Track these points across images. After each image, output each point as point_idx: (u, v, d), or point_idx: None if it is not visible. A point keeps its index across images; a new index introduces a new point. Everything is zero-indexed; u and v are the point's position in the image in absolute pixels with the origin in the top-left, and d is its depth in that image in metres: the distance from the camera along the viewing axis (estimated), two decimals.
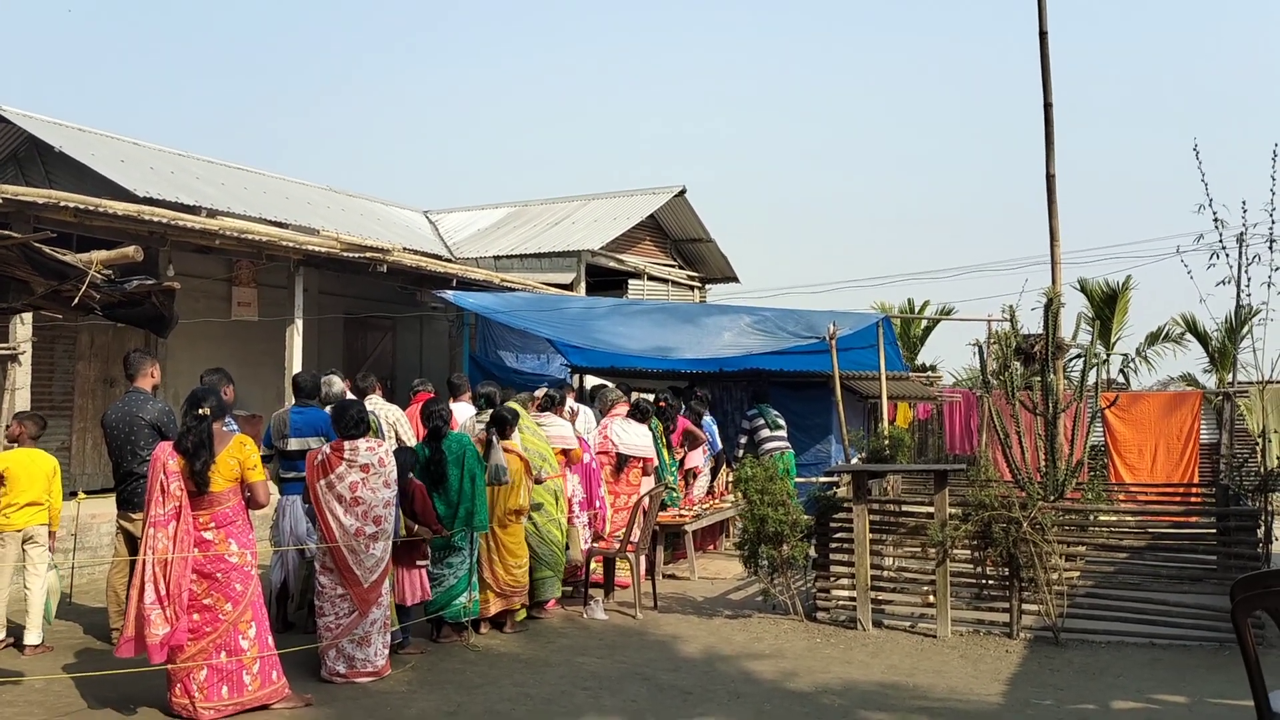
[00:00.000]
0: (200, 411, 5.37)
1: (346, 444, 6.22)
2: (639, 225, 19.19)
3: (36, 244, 3.76)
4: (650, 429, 9.83)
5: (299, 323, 11.67)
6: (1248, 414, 18.27)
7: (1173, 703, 6.03)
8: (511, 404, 8.04)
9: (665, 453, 10.67)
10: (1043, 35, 10.81)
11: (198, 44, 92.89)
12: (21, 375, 9.00)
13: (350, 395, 7.93)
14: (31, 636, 6.77)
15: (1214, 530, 8.77)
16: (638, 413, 9.67)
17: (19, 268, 4.01)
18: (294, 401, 7.79)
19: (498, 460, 7.38)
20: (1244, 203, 10.39)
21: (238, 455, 5.49)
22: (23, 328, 8.96)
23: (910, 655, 7.24)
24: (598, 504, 8.86)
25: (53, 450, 7.20)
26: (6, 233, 3.65)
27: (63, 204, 8.83)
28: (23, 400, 8.93)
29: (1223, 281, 11.12)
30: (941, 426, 19.84)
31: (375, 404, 8.13)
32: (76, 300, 4.06)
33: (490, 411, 7.71)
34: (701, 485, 11.84)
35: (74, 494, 7.61)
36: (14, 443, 7.00)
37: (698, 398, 12.41)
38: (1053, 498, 8.49)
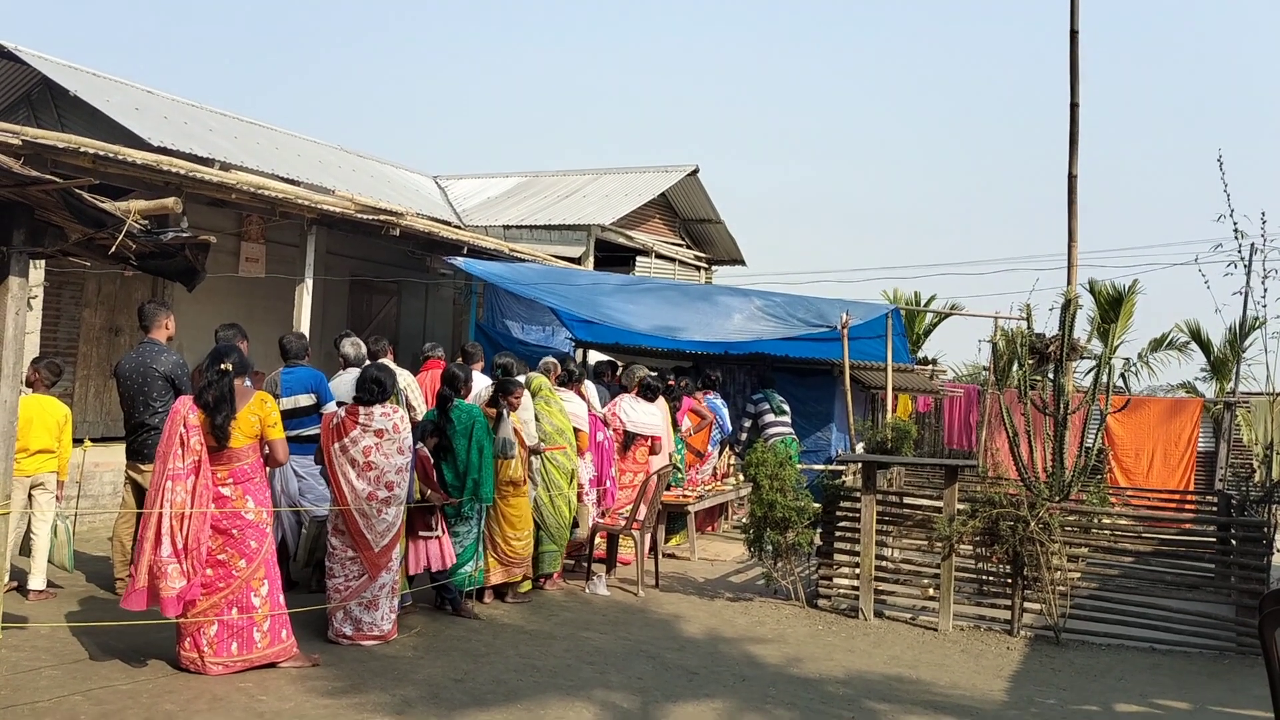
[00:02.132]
0: (223, 366, 5.33)
1: (361, 409, 6.19)
2: (649, 203, 19.09)
3: (78, 191, 3.69)
4: (659, 408, 9.82)
5: (309, 282, 11.60)
6: (1245, 426, 18.36)
7: (1175, 708, 6.06)
8: (538, 377, 8.01)
9: (670, 431, 10.66)
10: (1073, 35, 10.76)
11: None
12: (32, 320, 8.93)
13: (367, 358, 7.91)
14: (36, 581, 6.75)
15: (1214, 539, 8.82)
16: (648, 391, 9.65)
17: (56, 214, 3.95)
18: (284, 363, 7.71)
19: (506, 434, 7.36)
20: (1263, 214, 10.44)
21: (259, 412, 5.47)
22: (35, 272, 8.87)
23: (912, 647, 7.27)
24: (608, 482, 8.85)
25: (56, 397, 7.16)
26: (49, 178, 3.59)
27: (82, 150, 8.75)
28: (32, 345, 8.87)
29: (1238, 292, 11.20)
30: (940, 420, 19.89)
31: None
32: (113, 249, 4.01)
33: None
34: (707, 467, 11.84)
35: (79, 441, 7.56)
36: (29, 388, 6.95)
37: (708, 379, 12.38)
38: (1058, 498, 8.50)
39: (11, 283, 4.05)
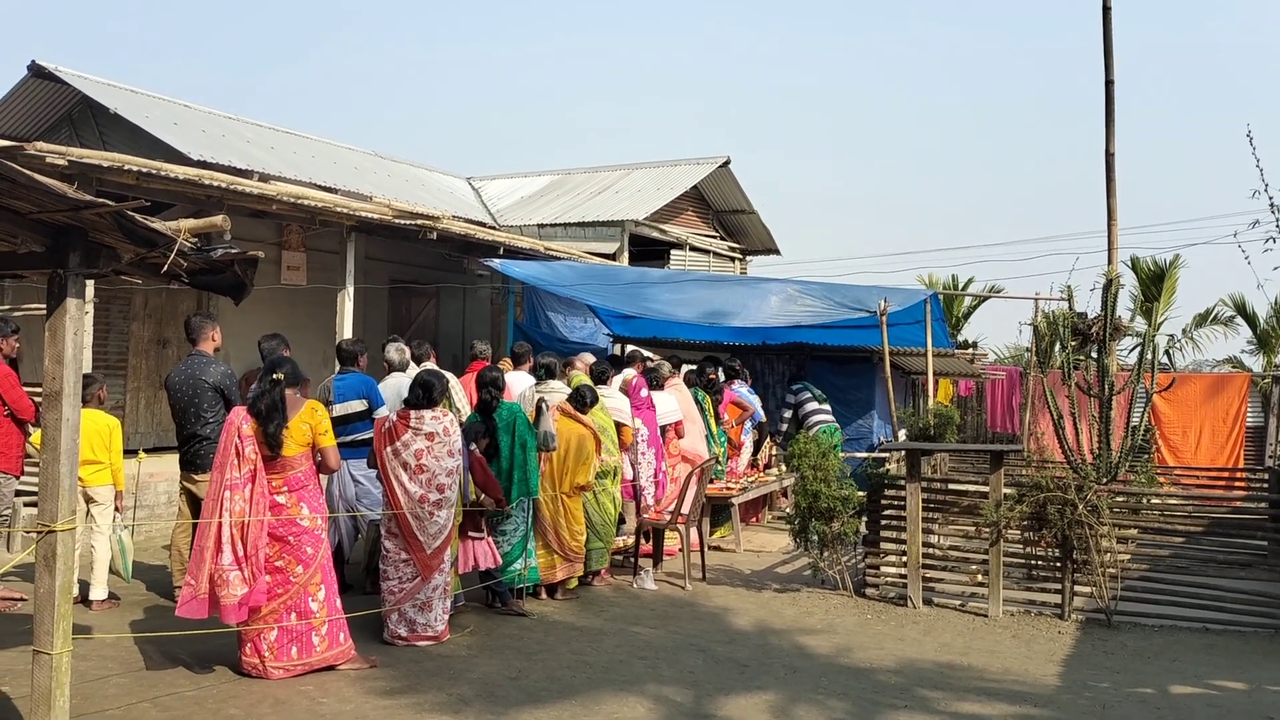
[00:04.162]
0: (275, 376, 5.46)
1: (413, 413, 6.29)
2: (682, 196, 19.09)
3: (130, 213, 3.79)
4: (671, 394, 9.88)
5: (350, 289, 11.73)
6: None
7: (1232, 689, 6.01)
8: (578, 375, 8.08)
9: (712, 424, 10.70)
10: (1106, 10, 10.64)
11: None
12: (85, 335, 9.13)
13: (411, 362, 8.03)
14: (97, 592, 6.92)
15: (1267, 516, 8.71)
16: (652, 378, 9.71)
17: (109, 235, 4.06)
18: (338, 369, 7.84)
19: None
20: None
21: (310, 420, 5.58)
22: (86, 288, 9.07)
23: (962, 634, 7.26)
24: (659, 476, 8.94)
25: (107, 409, 7.31)
26: (103, 201, 3.69)
27: (126, 167, 8.93)
28: (85, 360, 9.05)
29: (1278, 267, 11.03)
30: (982, 403, 19.76)
31: None
32: (166, 267, 4.11)
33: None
34: (743, 458, 11.86)
35: (133, 453, 7.73)
36: None
37: (731, 370, 12.29)
38: (1105, 480, 8.44)
39: (69, 304, 4.17)
